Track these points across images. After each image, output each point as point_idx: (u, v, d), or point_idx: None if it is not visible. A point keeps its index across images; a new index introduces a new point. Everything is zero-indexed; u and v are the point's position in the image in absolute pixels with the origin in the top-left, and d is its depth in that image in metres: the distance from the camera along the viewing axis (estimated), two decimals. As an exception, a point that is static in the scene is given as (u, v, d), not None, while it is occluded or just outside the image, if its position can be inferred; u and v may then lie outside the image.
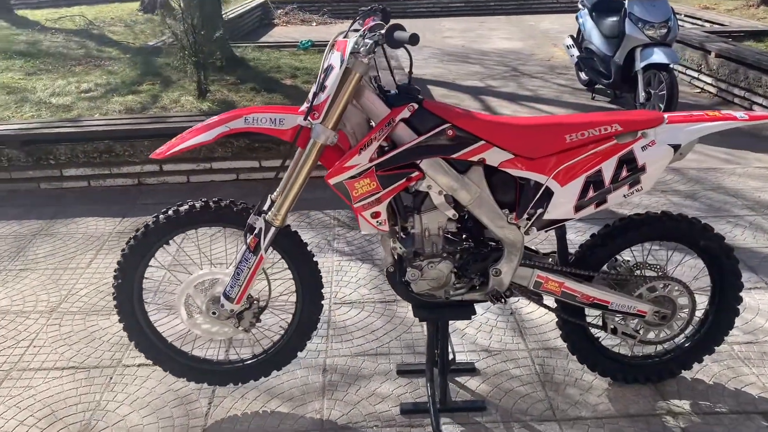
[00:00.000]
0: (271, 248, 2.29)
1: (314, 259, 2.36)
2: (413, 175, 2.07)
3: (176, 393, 2.58)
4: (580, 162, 2.14)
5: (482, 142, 2.08)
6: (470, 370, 2.68)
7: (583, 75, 7.22)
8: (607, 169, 2.14)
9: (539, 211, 2.17)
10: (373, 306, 3.15)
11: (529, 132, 2.14)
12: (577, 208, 2.18)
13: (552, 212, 2.17)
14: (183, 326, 2.49)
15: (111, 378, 2.68)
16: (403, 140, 2.06)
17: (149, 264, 2.32)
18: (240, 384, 2.52)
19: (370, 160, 2.03)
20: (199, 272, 2.29)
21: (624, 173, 2.15)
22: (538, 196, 2.15)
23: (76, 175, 4.58)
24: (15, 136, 4.49)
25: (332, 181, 2.04)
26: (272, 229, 2.17)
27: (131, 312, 2.31)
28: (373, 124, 2.07)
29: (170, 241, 2.31)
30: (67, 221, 4.17)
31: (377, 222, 2.11)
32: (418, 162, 2.07)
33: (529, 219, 2.19)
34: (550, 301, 2.40)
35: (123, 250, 2.28)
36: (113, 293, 2.33)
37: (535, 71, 8.33)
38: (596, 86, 6.94)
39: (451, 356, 2.62)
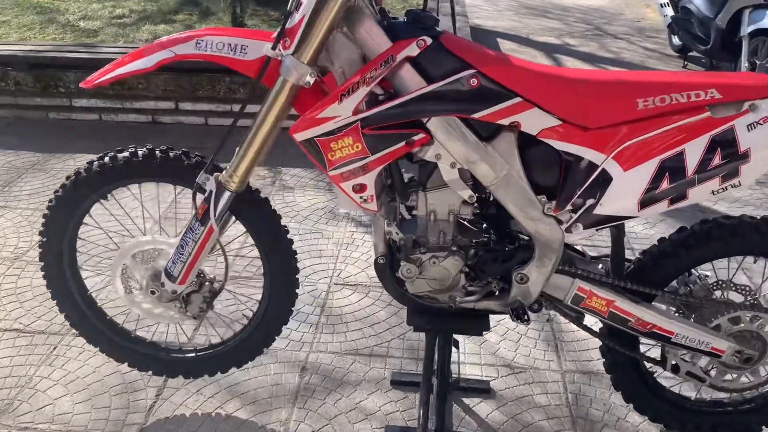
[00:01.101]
0: (232, 218, 1.79)
1: (288, 236, 1.84)
2: (416, 137, 1.51)
3: (123, 377, 2.16)
4: (654, 139, 1.52)
5: (518, 100, 1.49)
6: (483, 390, 2.14)
7: (676, 39, 6.33)
8: (693, 152, 1.52)
9: (590, 202, 1.57)
10: (380, 293, 2.62)
11: (585, 90, 1.53)
12: (644, 203, 1.57)
13: (608, 205, 1.57)
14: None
15: (54, 348, 2.27)
16: (405, 87, 1.49)
17: (83, 221, 1.85)
18: (191, 378, 2.05)
19: (355, 112, 1.47)
20: (139, 239, 1.81)
21: (717, 160, 1.52)
22: (590, 181, 1.55)
23: (87, 106, 4.20)
24: (23, 57, 4.13)
25: (299, 137, 1.50)
26: (226, 194, 1.65)
27: (60, 277, 1.87)
28: (370, 62, 1.51)
29: (108, 196, 1.83)
30: (66, 157, 3.79)
31: (361, 198, 1.57)
32: (424, 120, 1.50)
33: (574, 211, 1.59)
34: (588, 318, 1.80)
35: (50, 201, 1.82)
36: (39, 252, 1.88)
37: (621, 32, 7.44)
38: (690, 53, 6.05)
39: (454, 377, 2.08)
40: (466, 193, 1.62)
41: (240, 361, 1.99)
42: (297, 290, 1.91)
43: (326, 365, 2.25)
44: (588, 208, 1.59)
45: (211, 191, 1.66)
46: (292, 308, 1.92)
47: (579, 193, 1.57)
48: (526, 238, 1.71)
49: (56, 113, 4.27)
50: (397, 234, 1.71)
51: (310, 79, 1.50)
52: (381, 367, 2.24)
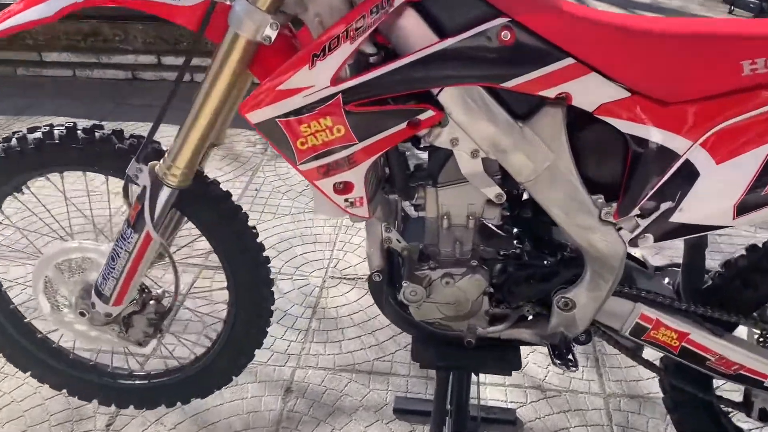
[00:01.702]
0: (184, 218, 1.37)
1: (257, 240, 1.42)
2: (424, 116, 1.06)
3: (68, 401, 1.78)
4: (761, 120, 1.07)
5: (569, 61, 1.04)
6: (508, 422, 1.73)
7: (721, -20, 5.69)
8: (821, 138, 1.06)
9: (666, 205, 1.13)
10: (383, 289, 2.19)
11: (667, 48, 1.07)
12: (742, 209, 1.12)
13: (691, 210, 1.13)
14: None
15: (-10, 362, 1.89)
16: (408, 44, 1.04)
17: (-5, 220, 1.43)
18: (144, 409, 1.67)
19: (335, 81, 1.03)
20: (64, 244, 1.39)
21: None
22: (667, 177, 1.11)
23: (59, 61, 3.75)
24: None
25: (253, 117, 1.06)
26: (165, 191, 1.22)
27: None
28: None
29: (23, 188, 1.41)
30: (34, 119, 3.37)
31: (346, 201, 1.13)
32: (435, 92, 1.06)
33: (642, 217, 1.15)
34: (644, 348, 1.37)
35: (-52, 194, 1.40)
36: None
37: (658, -27, 6.77)
38: (738, -4, 5.43)
39: (472, 401, 1.67)
40: (493, 191, 1.18)
41: (203, 391, 1.60)
42: (271, 306, 1.50)
43: (315, 386, 1.85)
44: (663, 214, 1.14)
45: (145, 187, 1.23)
46: (266, 327, 1.51)
47: (651, 193, 1.13)
48: (574, 250, 1.27)
49: (25, 69, 3.83)
50: (399, 242, 1.28)
51: (271, 33, 1.05)
52: (383, 389, 1.84)
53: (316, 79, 1.02)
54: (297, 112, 1.04)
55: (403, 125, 1.07)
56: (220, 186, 1.39)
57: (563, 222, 1.18)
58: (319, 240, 2.47)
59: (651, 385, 1.85)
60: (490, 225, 1.30)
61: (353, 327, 2.07)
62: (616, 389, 1.86)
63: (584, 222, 1.17)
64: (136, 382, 1.62)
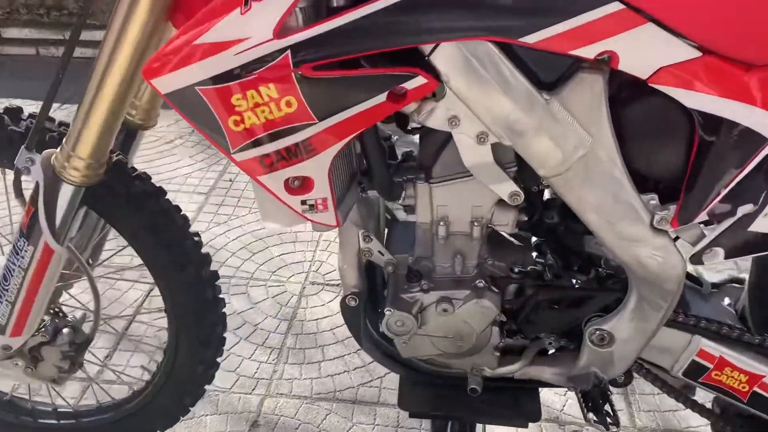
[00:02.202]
0: (101, 221, 1.06)
1: (201, 250, 1.11)
2: (411, 84, 0.75)
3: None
4: None
5: (615, 6, 0.72)
6: (519, 465, 1.42)
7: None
8: None
9: (746, 208, 0.83)
10: (372, 298, 1.88)
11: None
12: None
13: (781, 218, 0.82)
14: None
15: None
16: (386, -16, 0.72)
17: None
18: (73, 455, 1.36)
19: (279, 33, 0.71)
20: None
21: None
22: (749, 168, 0.79)
23: (20, 38, 3.42)
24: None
25: (161, 85, 0.74)
26: (65, 189, 0.91)
27: None
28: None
29: None
30: (-11, 102, 3.03)
31: (305, 204, 0.83)
32: (426, 51, 0.74)
33: (711, 224, 0.84)
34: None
35: None
36: None
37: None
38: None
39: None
40: (506, 189, 0.87)
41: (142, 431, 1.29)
42: (222, 333, 1.19)
43: (288, 419, 1.55)
44: (741, 221, 0.84)
45: (38, 183, 0.92)
46: (216, 358, 1.21)
47: (726, 192, 0.82)
48: (614, 267, 0.96)
49: (-17, 47, 3.51)
50: (382, 255, 0.97)
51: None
52: (368, 423, 1.54)
53: (252, 28, 0.71)
54: (226, 77, 0.73)
55: (382, 98, 0.76)
56: (151, 180, 1.08)
57: (602, 231, 0.87)
58: (299, 239, 2.17)
59: (689, 417, 1.55)
60: (501, 233, 0.99)
61: (335, 344, 1.76)
62: (648, 422, 1.56)
63: (631, 231, 0.86)
64: (61, 421, 1.32)
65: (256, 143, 0.77)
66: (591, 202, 0.85)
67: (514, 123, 0.80)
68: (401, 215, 1.06)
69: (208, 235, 2.16)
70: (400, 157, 1.01)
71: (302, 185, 0.81)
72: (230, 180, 2.46)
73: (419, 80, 0.76)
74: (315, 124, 0.76)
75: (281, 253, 2.09)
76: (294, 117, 0.75)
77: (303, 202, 0.82)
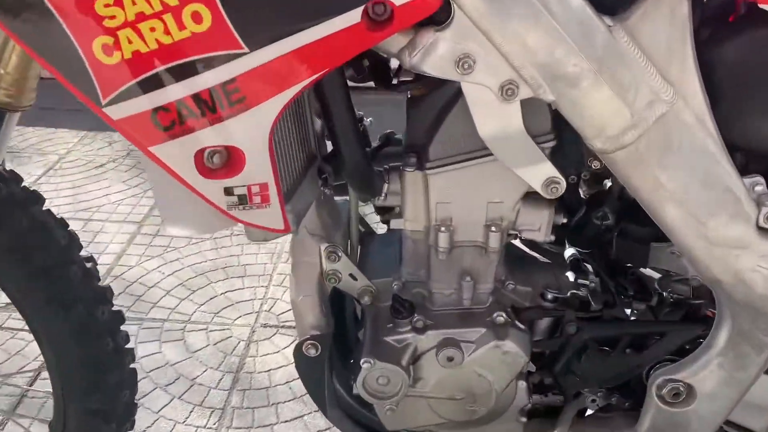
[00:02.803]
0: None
1: (98, 282, 0.78)
2: (401, -1, 0.45)
3: None
4: None
5: None
6: None
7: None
8: None
9: None
10: (336, 342, 1.55)
11: None
12: None
13: None
14: None
15: None
16: None
17: None
18: None
19: None
20: None
21: None
22: None
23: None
24: None
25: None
26: None
27: None
28: None
29: None
30: None
31: (229, 193, 0.50)
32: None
33: None
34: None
35: None
36: None
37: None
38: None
39: None
40: (541, 173, 0.59)
41: None
42: (131, 398, 0.85)
43: (231, 503, 1.20)
44: None
45: None
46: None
47: None
48: (695, 290, 0.67)
49: None
50: (354, 279, 0.66)
51: None
52: (335, 503, 1.19)
53: None
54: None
55: (353, 18, 0.47)
56: (22, 183, 0.76)
57: (683, 232, 0.59)
58: (249, 272, 1.84)
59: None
60: (520, 246, 0.70)
61: (292, 402, 1.44)
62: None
63: (729, 232, 0.58)
64: None
65: (144, 87, 0.46)
66: (670, 189, 0.57)
67: (558, 66, 0.52)
68: (378, 223, 0.75)
69: (138, 271, 1.82)
70: (377, 141, 0.72)
71: (225, 163, 0.50)
72: (168, 207, 2.12)
73: (409, -7, 0.47)
74: (244, 55, 0.46)
75: (226, 290, 1.76)
76: (207, 41, 0.45)
77: (227, 191, 0.51)
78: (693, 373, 0.66)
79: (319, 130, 0.65)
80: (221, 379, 1.50)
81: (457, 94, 0.59)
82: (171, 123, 0.47)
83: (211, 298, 1.75)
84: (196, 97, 0.47)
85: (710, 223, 0.58)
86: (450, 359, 0.65)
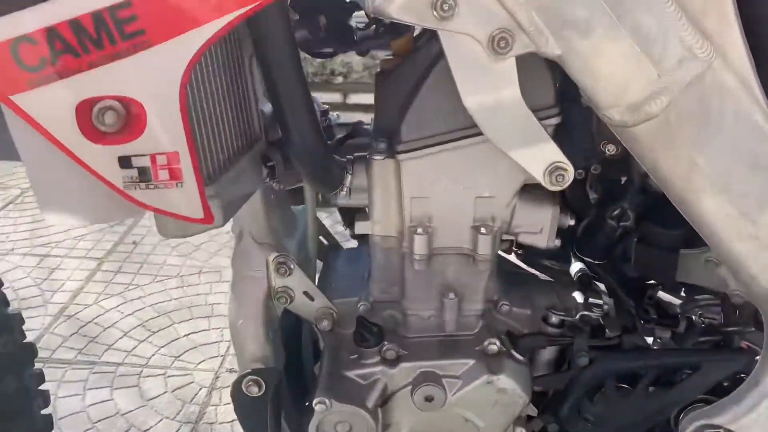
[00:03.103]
0: None
1: (7, 309, 0.64)
2: None
3: None
4: None
5: None
6: None
7: None
8: None
9: None
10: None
11: None
12: None
13: None
14: None
15: None
16: None
17: None
18: None
19: None
20: None
21: None
22: None
23: None
24: None
25: None
26: None
27: None
28: None
29: None
30: None
31: (126, 164, 0.37)
32: None
33: None
34: None
35: None
36: None
37: None
38: None
39: None
40: (543, 157, 0.46)
41: None
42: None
43: None
44: None
45: None
46: None
47: None
48: (739, 310, 0.53)
49: None
50: (310, 298, 0.52)
51: None
52: None
53: None
54: None
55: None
56: None
57: (725, 231, 0.46)
58: (216, 313, 1.69)
59: None
60: (520, 262, 0.56)
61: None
62: None
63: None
64: None
65: (1, 7, 0.33)
66: (708, 175, 0.44)
67: (567, 4, 0.40)
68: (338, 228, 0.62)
69: (95, 310, 1.68)
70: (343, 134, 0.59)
71: (122, 123, 0.37)
72: (134, 243, 1.99)
73: None
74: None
75: (190, 332, 1.61)
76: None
77: (123, 162, 0.37)
78: (736, 417, 0.52)
79: (269, 112, 0.53)
80: (178, 430, 1.33)
81: (437, 58, 0.47)
82: (40, 61, 0.34)
83: (172, 340, 1.59)
84: (75, 25, 0.34)
85: (761, 219, 0.45)
86: (429, 399, 0.51)
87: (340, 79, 2.84)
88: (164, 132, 0.37)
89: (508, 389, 0.52)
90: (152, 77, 0.36)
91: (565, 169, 0.46)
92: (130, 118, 0.37)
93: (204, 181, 0.40)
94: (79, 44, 0.35)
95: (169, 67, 0.36)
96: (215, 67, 0.42)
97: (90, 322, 1.66)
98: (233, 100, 0.45)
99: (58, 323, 1.63)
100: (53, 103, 0.35)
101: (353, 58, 2.87)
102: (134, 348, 1.57)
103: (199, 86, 0.40)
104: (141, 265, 1.90)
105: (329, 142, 0.59)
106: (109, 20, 0.34)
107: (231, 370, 1.51)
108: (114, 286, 1.80)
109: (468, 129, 0.48)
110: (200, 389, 1.45)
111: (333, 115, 0.65)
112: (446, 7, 0.41)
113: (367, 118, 0.61)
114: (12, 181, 2.37)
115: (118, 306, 1.71)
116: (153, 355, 1.55)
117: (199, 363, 1.53)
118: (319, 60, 2.83)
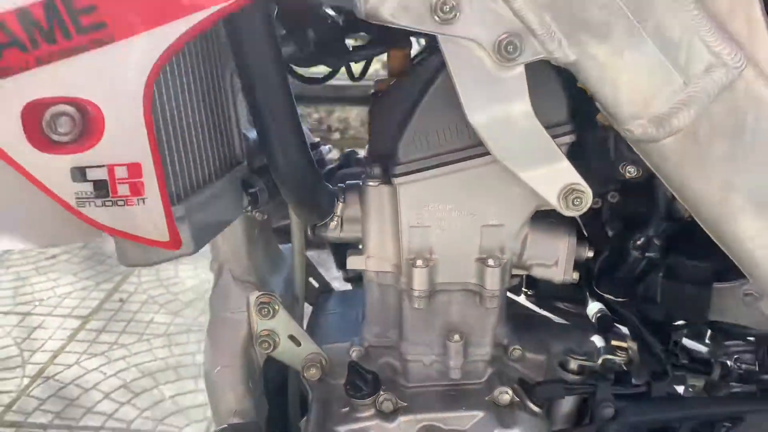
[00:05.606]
0: None
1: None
2: None
3: None
4: None
5: None
6: None
7: None
8: None
9: None
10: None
11: None
12: None
13: None
14: None
15: None
16: None
17: None
18: None
19: None
20: None
21: None
22: None
23: None
24: None
25: None
26: None
27: None
28: None
29: None
30: None
31: (81, 175, 0.32)
32: None
33: None
34: None
35: None
36: None
37: None
38: None
39: None
40: (558, 178, 0.41)
41: None
42: None
43: None
44: None
45: None
46: None
47: None
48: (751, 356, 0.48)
49: None
50: (297, 343, 0.47)
51: None
52: None
53: None
54: None
55: None
56: None
57: (765, 260, 0.40)
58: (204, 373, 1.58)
59: None
60: (530, 304, 0.52)
61: None
62: None
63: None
64: None
65: None
66: (744, 195, 0.40)
67: (582, 5, 0.36)
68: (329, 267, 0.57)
69: (76, 371, 1.60)
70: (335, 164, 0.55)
71: (77, 131, 0.32)
72: (120, 300, 1.93)
73: None
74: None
75: (175, 393, 1.53)
76: None
77: (78, 174, 0.32)
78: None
79: (253, 138, 0.49)
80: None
81: (436, 72, 0.43)
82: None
83: (156, 402, 1.51)
84: (23, 15, 0.30)
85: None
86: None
87: (337, 135, 2.84)
88: (125, 140, 0.33)
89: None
90: (113, 77, 0.32)
91: (583, 192, 0.42)
92: (86, 124, 0.32)
93: (171, 200, 0.35)
94: (27, 37, 0.30)
95: (132, 66, 0.32)
96: (189, 75, 0.38)
97: (70, 383, 1.59)
98: (210, 115, 0.41)
99: (35, 385, 1.55)
100: (3, 111, 0.31)
101: (350, 113, 2.87)
102: (115, 411, 1.49)
103: (169, 92, 0.36)
104: (127, 324, 1.84)
105: (320, 170, 0.54)
106: (63, 10, 0.30)
107: None
108: (97, 346, 1.73)
109: (472, 148, 0.43)
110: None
111: (325, 147, 0.61)
112: (447, 9, 0.37)
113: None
114: (-2, 238, 2.33)
115: (100, 366, 1.64)
116: (135, 418, 1.47)
117: (184, 427, 1.45)
118: (315, 116, 2.83)
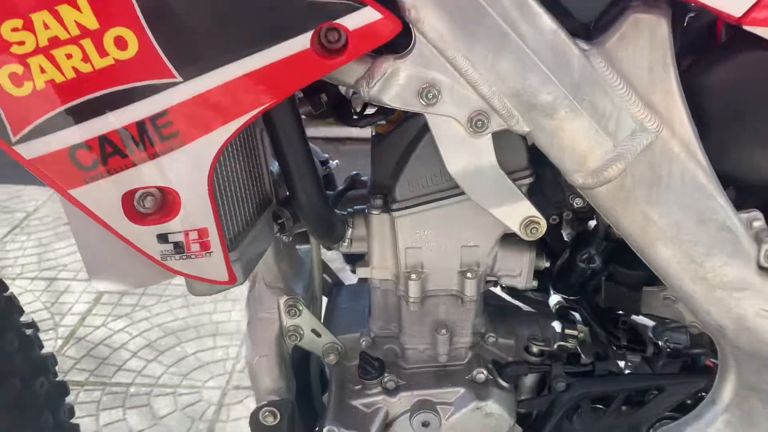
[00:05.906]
0: None
1: (41, 351, 0.72)
2: (353, 22, 0.42)
3: None
4: None
5: None
6: None
7: None
8: None
9: None
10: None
11: None
12: None
13: None
14: None
15: None
16: None
17: None
18: None
19: None
20: None
21: None
22: None
23: None
24: None
25: None
26: None
27: None
28: None
29: None
30: None
31: (163, 240, 0.45)
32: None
33: None
34: None
35: None
36: None
37: None
38: None
39: None
40: (518, 213, 0.54)
41: None
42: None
43: None
44: None
45: None
46: None
47: None
48: (694, 340, 0.61)
49: None
50: (318, 335, 0.61)
51: None
52: None
53: None
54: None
55: (302, 43, 0.42)
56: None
57: (678, 274, 0.54)
58: (221, 331, 1.75)
59: None
60: (499, 294, 0.64)
61: (267, 470, 1.31)
62: None
63: (728, 273, 0.54)
64: None
65: (60, 122, 0.41)
66: (661, 227, 0.52)
67: (533, 91, 0.48)
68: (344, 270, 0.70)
69: (104, 332, 1.74)
70: (340, 184, 0.67)
71: (159, 206, 0.44)
72: (139, 263, 2.05)
73: (367, 15, 0.43)
74: (176, 84, 0.41)
75: (197, 350, 1.68)
76: (134, 69, 0.41)
77: (161, 238, 0.45)
78: (698, 431, 0.60)
79: (277, 172, 0.60)
80: (186, 442, 1.40)
81: (424, 128, 0.55)
82: (93, 162, 0.42)
83: (180, 359, 1.66)
84: (122, 133, 0.42)
85: (707, 263, 0.53)
86: (425, 425, 0.58)
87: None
88: (195, 212, 0.45)
89: (495, 413, 0.59)
90: (185, 170, 0.44)
91: (538, 223, 0.54)
92: (167, 203, 0.45)
93: (228, 248, 0.48)
94: (125, 148, 0.42)
95: (199, 160, 0.44)
96: (235, 150, 0.50)
97: (100, 343, 1.73)
98: (249, 172, 0.53)
99: (69, 346, 1.70)
100: (104, 194, 0.43)
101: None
102: (143, 368, 1.63)
103: (223, 170, 0.48)
104: (146, 287, 1.96)
105: (330, 192, 0.66)
106: (151, 127, 0.42)
107: (237, 387, 1.58)
108: (121, 308, 1.86)
109: (453, 189, 0.55)
110: (209, 407, 1.51)
111: (332, 163, 0.72)
112: (431, 96, 0.48)
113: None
114: (17, 204, 2.44)
115: (125, 327, 1.78)
116: (162, 374, 1.61)
117: (207, 381, 1.60)
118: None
